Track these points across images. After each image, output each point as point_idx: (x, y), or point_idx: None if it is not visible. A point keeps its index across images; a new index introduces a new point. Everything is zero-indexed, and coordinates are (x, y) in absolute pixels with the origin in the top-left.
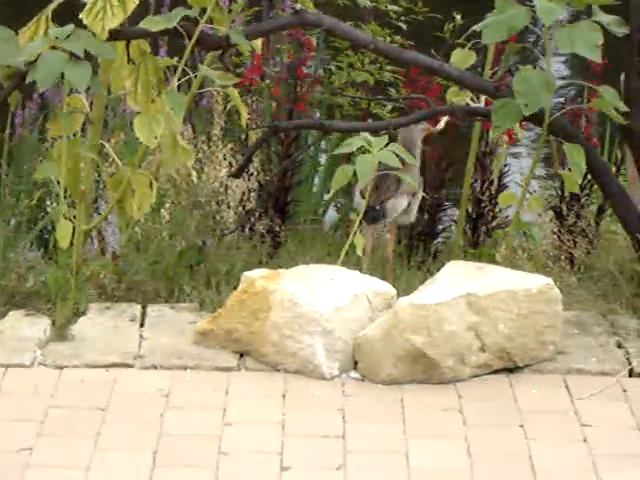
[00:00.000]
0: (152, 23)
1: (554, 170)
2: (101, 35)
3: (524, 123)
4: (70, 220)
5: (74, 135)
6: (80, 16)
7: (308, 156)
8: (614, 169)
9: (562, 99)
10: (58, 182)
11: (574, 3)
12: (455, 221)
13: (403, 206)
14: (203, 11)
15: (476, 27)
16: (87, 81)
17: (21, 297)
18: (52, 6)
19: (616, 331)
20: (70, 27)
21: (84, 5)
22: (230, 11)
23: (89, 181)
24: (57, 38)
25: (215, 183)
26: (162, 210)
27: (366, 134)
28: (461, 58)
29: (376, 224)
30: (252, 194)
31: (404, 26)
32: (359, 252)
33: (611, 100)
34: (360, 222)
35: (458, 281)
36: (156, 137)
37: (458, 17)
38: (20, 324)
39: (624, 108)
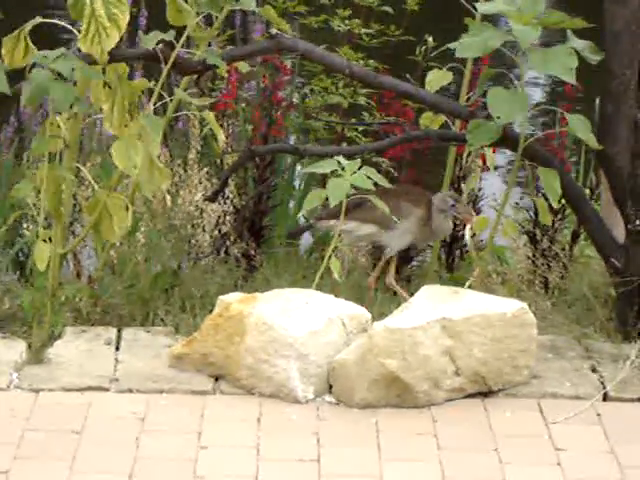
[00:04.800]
0: (146, 41)
1: (530, 196)
2: (102, 57)
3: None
4: (46, 242)
5: (53, 158)
6: (77, 44)
7: (283, 180)
8: (589, 193)
9: (535, 126)
10: (34, 205)
11: (548, 26)
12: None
13: (350, 230)
14: (179, 35)
15: (451, 45)
16: (71, 101)
17: None
18: (29, 25)
19: (590, 355)
20: (61, 50)
21: (58, 26)
22: (210, 27)
23: (67, 204)
24: (44, 57)
25: (191, 207)
26: (137, 233)
27: (339, 157)
28: (437, 78)
29: (294, 239)
30: (227, 218)
31: (389, 9)
32: (336, 276)
33: (580, 132)
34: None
35: (433, 305)
36: (135, 166)
37: (430, 39)
38: None
39: (592, 138)
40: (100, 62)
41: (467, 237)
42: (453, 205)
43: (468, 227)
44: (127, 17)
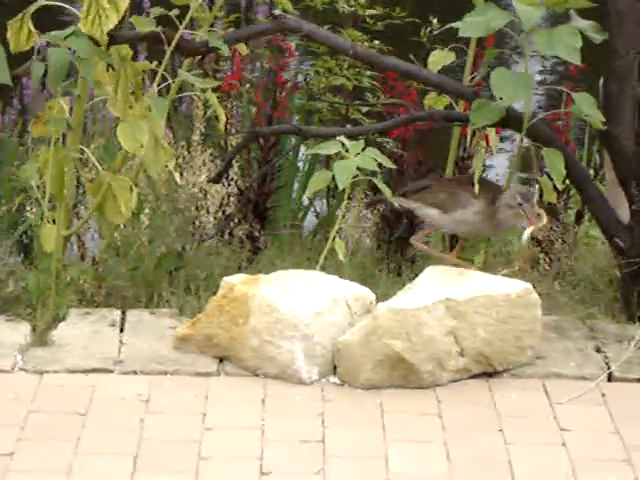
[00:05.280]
0: (139, 23)
1: (532, 176)
2: (102, 39)
3: (500, 129)
4: (51, 224)
5: (57, 140)
6: (79, 25)
7: (287, 162)
8: (593, 174)
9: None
10: (38, 187)
11: (553, 7)
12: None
13: (413, 210)
14: (182, 15)
15: (454, 25)
16: (94, 74)
17: (1, 302)
18: (33, 7)
19: (595, 336)
20: (71, 29)
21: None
22: (211, 9)
23: (70, 186)
24: (55, 36)
25: (194, 188)
26: (141, 215)
27: (343, 138)
28: (440, 58)
29: (372, 209)
30: (231, 199)
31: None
32: (341, 257)
33: (585, 107)
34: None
35: (437, 286)
36: (142, 145)
37: (435, 21)
38: (0, 329)
39: (599, 116)
40: (101, 44)
41: (524, 238)
42: (520, 204)
43: (529, 229)
44: (127, 1)
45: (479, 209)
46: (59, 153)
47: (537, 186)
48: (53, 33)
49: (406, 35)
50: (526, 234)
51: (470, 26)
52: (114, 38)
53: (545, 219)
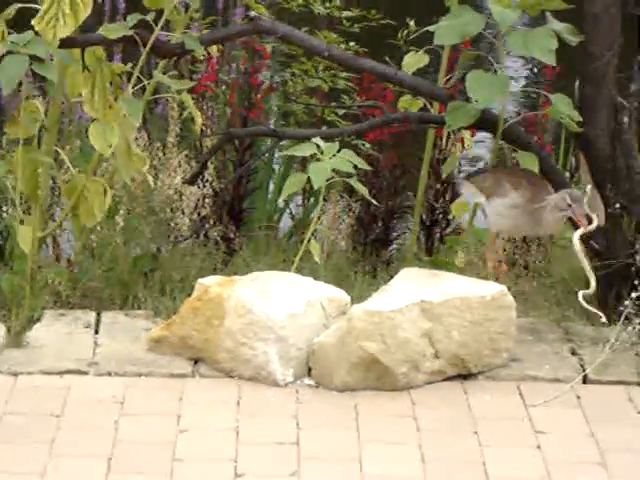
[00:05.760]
0: (109, 31)
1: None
2: (52, 42)
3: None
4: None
5: (30, 141)
6: (32, 22)
7: (263, 163)
8: (569, 176)
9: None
10: (14, 188)
11: (528, 9)
12: (409, 228)
13: (468, 196)
14: (158, 18)
15: (430, 28)
16: (56, 76)
17: None
18: (12, 10)
19: (570, 338)
20: (29, 34)
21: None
22: (187, 10)
23: (44, 187)
24: (13, 43)
25: (170, 190)
26: (117, 217)
27: (318, 140)
28: (414, 60)
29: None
30: (207, 201)
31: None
32: (316, 258)
33: (563, 108)
34: None
35: (412, 288)
36: (110, 145)
37: (412, 23)
38: None
39: (577, 116)
40: (50, 47)
41: (575, 240)
42: (570, 205)
43: (579, 231)
44: (88, 11)
45: (516, 202)
46: (31, 154)
47: (588, 192)
48: (13, 37)
49: (382, 37)
50: (576, 236)
51: (445, 32)
52: (90, 40)
53: (596, 222)
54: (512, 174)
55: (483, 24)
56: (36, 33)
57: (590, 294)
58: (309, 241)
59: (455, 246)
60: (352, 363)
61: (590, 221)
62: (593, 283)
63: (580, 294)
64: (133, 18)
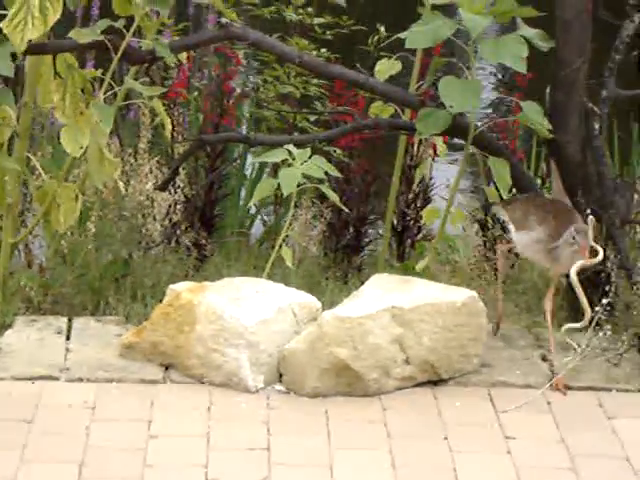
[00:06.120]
0: (79, 35)
1: (482, 184)
2: (20, 46)
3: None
4: None
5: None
6: (0, 25)
7: (234, 169)
8: (540, 183)
9: (488, 113)
10: None
11: (499, 16)
12: (380, 234)
13: (517, 238)
14: (130, 24)
15: (401, 35)
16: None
17: None
18: None
19: (541, 344)
20: None
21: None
22: (158, 16)
23: (16, 194)
24: None
25: (141, 196)
26: (88, 223)
27: (290, 146)
28: (386, 67)
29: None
30: (178, 207)
31: (342, 1)
32: (288, 264)
33: (533, 116)
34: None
35: (383, 294)
36: (82, 147)
37: (382, 29)
38: None
39: (546, 124)
40: (17, 51)
41: (572, 270)
42: (574, 238)
43: (578, 263)
44: (57, 15)
45: (539, 237)
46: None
47: (592, 223)
48: None
49: (354, 44)
50: (574, 268)
51: (417, 37)
52: (62, 46)
53: (600, 255)
54: (542, 206)
55: (454, 29)
56: (5, 36)
57: (579, 328)
58: (280, 247)
59: (425, 252)
60: (323, 369)
61: (595, 254)
62: (587, 318)
63: (566, 326)
64: (103, 23)
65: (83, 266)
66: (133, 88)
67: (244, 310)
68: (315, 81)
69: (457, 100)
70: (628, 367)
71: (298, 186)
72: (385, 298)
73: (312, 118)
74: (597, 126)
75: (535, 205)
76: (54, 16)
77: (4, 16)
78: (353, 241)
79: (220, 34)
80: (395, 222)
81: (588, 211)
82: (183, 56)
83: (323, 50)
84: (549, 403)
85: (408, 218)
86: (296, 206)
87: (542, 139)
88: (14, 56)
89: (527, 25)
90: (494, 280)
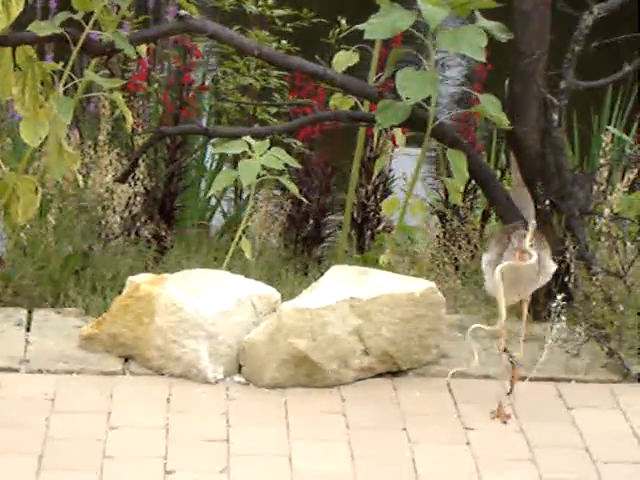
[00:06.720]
0: (39, 28)
1: (440, 176)
2: None
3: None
4: None
5: None
6: None
7: (194, 161)
8: (499, 174)
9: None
10: None
11: (458, 8)
12: (340, 226)
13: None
14: (89, 16)
15: (359, 26)
16: None
17: None
18: None
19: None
20: None
21: None
22: (118, 11)
23: None
24: None
25: (101, 188)
26: (48, 215)
27: (248, 138)
28: (344, 59)
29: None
30: (138, 199)
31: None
32: (248, 256)
33: (491, 109)
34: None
35: (342, 285)
36: (40, 138)
37: (343, 22)
38: None
39: (504, 117)
40: None
41: (496, 272)
42: (509, 239)
43: (506, 263)
44: (21, 7)
45: (491, 258)
46: None
47: (532, 228)
48: None
49: (315, 36)
50: (499, 267)
51: (375, 28)
52: (20, 39)
53: (531, 260)
54: (512, 227)
55: (412, 20)
56: None
57: (492, 330)
58: (240, 239)
59: (385, 244)
60: (282, 360)
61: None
62: (501, 321)
63: (472, 327)
64: (62, 16)
65: (43, 258)
66: (93, 80)
67: (203, 302)
68: (275, 73)
69: (414, 91)
70: (587, 358)
71: (258, 178)
72: (344, 289)
73: (272, 110)
74: (556, 117)
75: (509, 227)
76: (17, 8)
77: None
78: (313, 233)
79: (179, 26)
80: (355, 214)
81: (547, 202)
82: (143, 48)
83: (283, 42)
84: (509, 394)
85: (368, 210)
86: (256, 198)
87: (501, 131)
88: None
89: (486, 18)
90: (453, 271)
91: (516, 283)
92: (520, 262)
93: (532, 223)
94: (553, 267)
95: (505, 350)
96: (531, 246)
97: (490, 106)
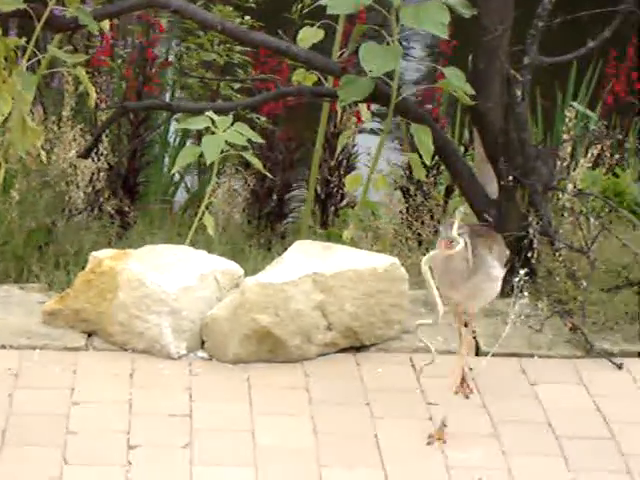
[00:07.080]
0: (3, 3)
1: (404, 152)
2: None
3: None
4: None
5: None
6: None
7: (158, 137)
8: (463, 150)
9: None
10: None
11: None
12: (304, 202)
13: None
14: None
15: (322, 2)
16: None
17: None
18: None
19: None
20: None
21: None
22: None
23: None
24: None
25: (64, 164)
26: (12, 190)
27: (211, 113)
28: (309, 35)
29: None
30: (101, 174)
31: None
32: (211, 232)
33: (456, 82)
34: None
35: (305, 261)
36: (3, 114)
37: None
38: None
39: (469, 90)
40: None
41: (423, 263)
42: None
43: (430, 254)
44: None
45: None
46: None
47: (459, 215)
48: None
49: (279, 12)
50: (425, 259)
51: (338, 3)
52: None
53: (455, 250)
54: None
55: None
56: None
57: (431, 324)
58: (203, 214)
59: (348, 219)
60: (245, 335)
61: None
62: (441, 313)
63: (418, 322)
64: None
65: (6, 234)
66: (57, 56)
67: (166, 277)
68: (239, 49)
69: (377, 64)
70: (550, 333)
71: (221, 153)
72: (307, 264)
73: (236, 86)
74: (519, 93)
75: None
76: None
77: None
78: (277, 208)
79: (142, 2)
80: (319, 189)
81: (510, 178)
82: (106, 24)
83: (247, 18)
84: (471, 369)
85: (331, 185)
86: (219, 173)
87: (465, 106)
88: None
89: None
90: (416, 247)
91: (447, 273)
92: (446, 251)
93: (459, 210)
94: (500, 272)
95: (466, 325)
96: (460, 235)
97: (455, 79)
